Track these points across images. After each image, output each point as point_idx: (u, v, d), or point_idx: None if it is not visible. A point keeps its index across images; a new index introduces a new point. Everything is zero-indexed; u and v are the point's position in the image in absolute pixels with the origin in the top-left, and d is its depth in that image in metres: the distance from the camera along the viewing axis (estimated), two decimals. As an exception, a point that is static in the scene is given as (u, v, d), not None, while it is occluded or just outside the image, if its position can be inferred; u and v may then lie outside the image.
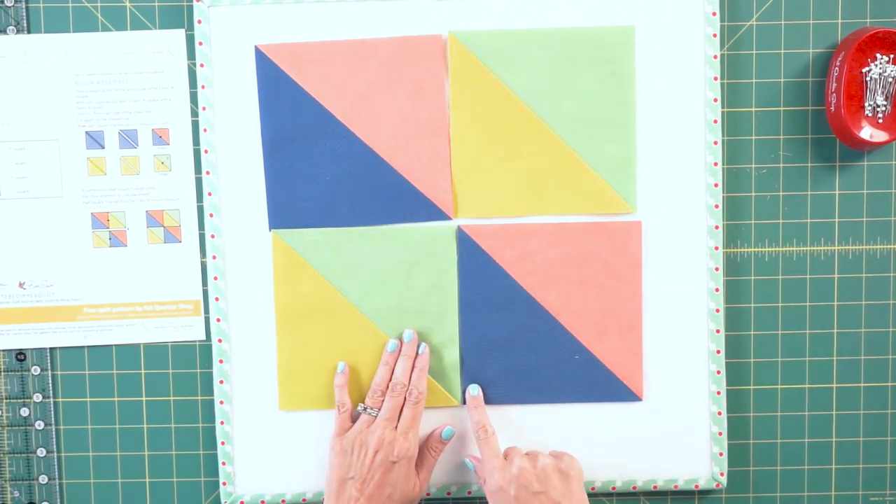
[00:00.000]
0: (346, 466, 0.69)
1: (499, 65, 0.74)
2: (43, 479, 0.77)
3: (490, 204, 0.75)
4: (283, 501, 0.76)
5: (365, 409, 0.71)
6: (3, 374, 0.77)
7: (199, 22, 0.74)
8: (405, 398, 0.71)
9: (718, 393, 0.75)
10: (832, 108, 0.74)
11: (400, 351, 0.73)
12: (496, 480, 0.67)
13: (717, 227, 0.75)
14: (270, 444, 0.76)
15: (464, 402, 0.75)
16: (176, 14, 0.75)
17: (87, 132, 0.75)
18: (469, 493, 0.76)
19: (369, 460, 0.68)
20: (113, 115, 0.75)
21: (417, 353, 0.74)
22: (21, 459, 0.77)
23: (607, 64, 0.73)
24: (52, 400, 0.77)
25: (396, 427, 0.70)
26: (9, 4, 0.74)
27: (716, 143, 0.74)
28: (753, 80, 0.76)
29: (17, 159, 0.75)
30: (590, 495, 0.76)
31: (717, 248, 0.75)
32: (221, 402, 0.75)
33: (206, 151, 0.74)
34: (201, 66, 0.74)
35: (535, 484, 0.66)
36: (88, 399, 0.77)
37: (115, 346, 0.77)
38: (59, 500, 0.77)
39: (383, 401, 0.71)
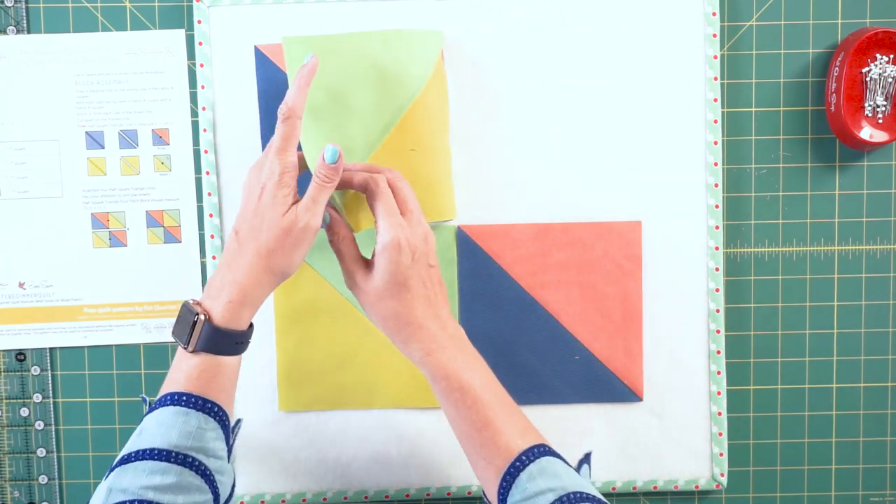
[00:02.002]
0: (239, 210, 0.63)
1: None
2: (43, 479, 0.77)
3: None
4: (284, 501, 0.76)
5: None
6: (3, 374, 0.77)
7: (199, 22, 0.74)
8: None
9: (718, 393, 0.75)
10: (832, 108, 0.74)
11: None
12: (395, 235, 0.60)
13: (717, 227, 0.75)
14: (270, 444, 0.76)
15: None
16: (176, 14, 0.75)
17: (87, 132, 0.75)
18: (469, 493, 0.76)
19: (243, 194, 0.62)
20: (113, 115, 0.75)
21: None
22: (21, 459, 0.77)
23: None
24: (52, 400, 0.77)
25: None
26: (9, 4, 0.74)
27: (716, 143, 0.74)
28: (753, 80, 0.76)
29: (17, 159, 0.75)
30: (590, 495, 0.77)
31: (717, 248, 0.75)
32: (221, 402, 0.75)
33: (206, 151, 0.74)
34: (201, 66, 0.74)
35: (431, 257, 0.62)
36: (88, 399, 0.77)
37: (115, 346, 0.77)
38: (59, 500, 0.77)
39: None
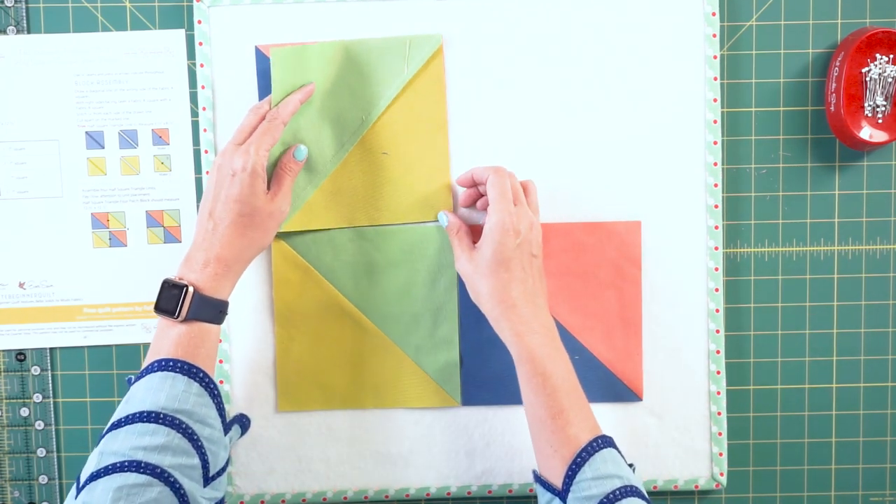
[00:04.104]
0: (204, 193, 0.68)
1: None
2: (43, 479, 0.77)
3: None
4: (283, 501, 0.76)
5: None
6: (3, 374, 0.77)
7: (199, 22, 0.74)
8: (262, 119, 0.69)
9: (718, 393, 0.75)
10: (832, 108, 0.74)
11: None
12: (502, 218, 0.66)
13: (716, 228, 0.75)
14: (270, 444, 0.76)
15: (463, 402, 0.75)
16: (176, 14, 0.75)
17: (87, 132, 0.75)
18: (469, 493, 0.76)
19: (213, 180, 0.67)
20: (113, 115, 0.75)
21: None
22: (21, 459, 0.77)
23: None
24: (52, 400, 0.77)
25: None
26: (9, 4, 0.74)
27: (716, 143, 0.74)
28: (753, 80, 0.76)
29: (17, 159, 0.75)
30: (590, 495, 0.77)
31: (716, 248, 0.75)
32: (221, 402, 0.75)
33: (206, 151, 0.74)
34: (201, 66, 0.74)
35: (535, 247, 0.67)
36: (88, 399, 0.77)
37: (115, 346, 0.77)
38: (59, 500, 0.77)
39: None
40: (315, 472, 0.76)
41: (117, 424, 0.57)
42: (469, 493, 0.76)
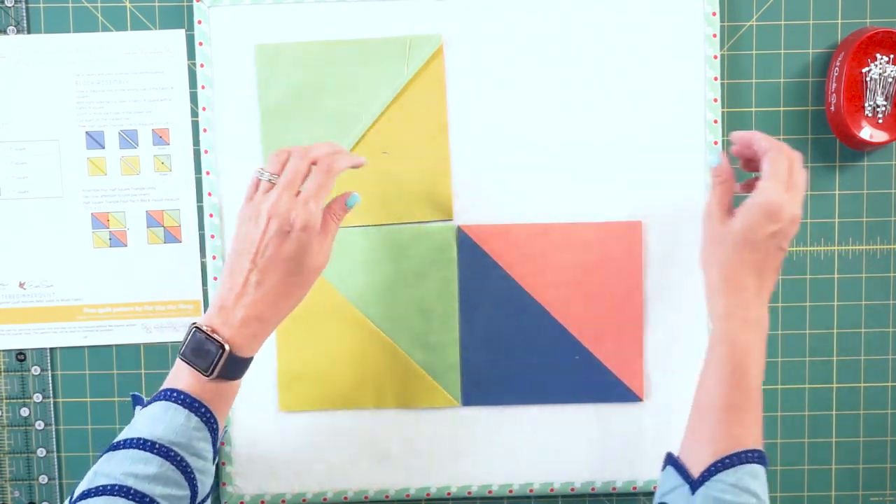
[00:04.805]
0: (242, 236, 0.61)
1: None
2: (43, 479, 0.77)
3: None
4: (284, 501, 0.76)
5: (262, 172, 0.63)
6: (3, 374, 0.77)
7: (199, 22, 0.74)
8: (311, 167, 0.63)
9: (718, 393, 0.75)
10: (832, 108, 0.74)
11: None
12: (771, 198, 0.61)
13: (717, 227, 0.75)
14: (270, 445, 0.76)
15: (463, 402, 0.75)
16: (176, 14, 0.75)
17: (87, 132, 0.75)
18: (469, 493, 0.76)
19: (261, 230, 0.60)
20: (113, 115, 0.75)
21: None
22: (21, 459, 0.77)
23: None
24: (52, 400, 0.77)
25: (298, 195, 0.61)
26: (9, 4, 0.74)
27: (716, 142, 0.74)
28: (753, 80, 0.76)
29: (17, 159, 0.75)
30: (590, 496, 0.77)
31: (717, 248, 0.75)
32: (221, 402, 0.75)
33: (206, 151, 0.74)
34: (201, 66, 0.74)
35: (786, 241, 0.63)
36: (88, 399, 0.77)
37: (115, 346, 0.77)
38: (58, 500, 0.77)
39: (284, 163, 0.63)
40: (315, 472, 0.76)
41: (116, 447, 0.58)
42: (469, 493, 0.76)
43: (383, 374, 0.75)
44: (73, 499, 0.56)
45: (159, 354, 0.77)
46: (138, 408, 0.63)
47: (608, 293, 0.75)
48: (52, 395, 0.77)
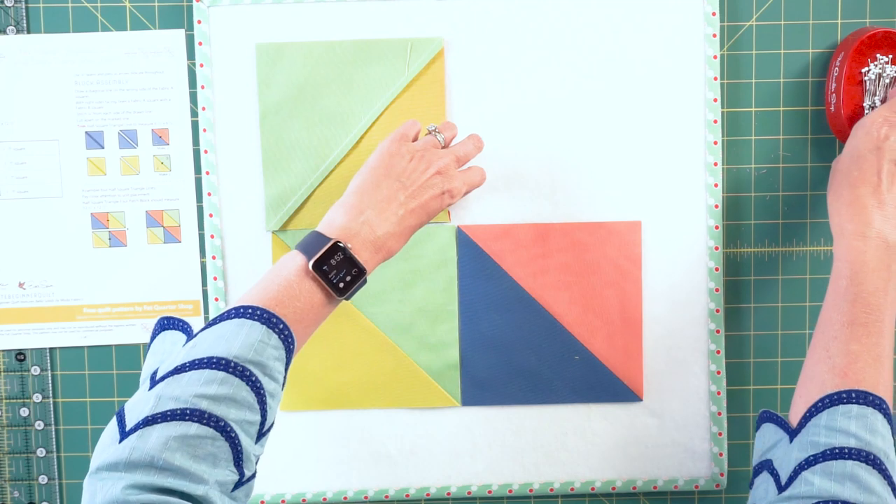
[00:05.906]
0: (400, 168, 0.62)
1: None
2: (43, 479, 0.77)
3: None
4: (284, 502, 0.76)
5: (435, 130, 0.66)
6: (3, 374, 0.77)
7: (199, 22, 0.74)
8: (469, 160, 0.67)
9: (718, 393, 0.75)
10: (832, 108, 0.74)
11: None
12: (875, 119, 0.64)
13: (717, 227, 0.75)
14: (270, 444, 0.76)
15: (463, 402, 0.75)
16: (176, 14, 0.75)
17: (87, 132, 0.75)
18: (469, 493, 0.76)
19: (427, 177, 0.62)
20: (113, 115, 0.75)
21: None
22: (21, 459, 0.77)
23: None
24: (52, 400, 0.77)
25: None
26: (9, 4, 0.74)
27: (716, 143, 0.74)
28: (753, 80, 0.76)
29: (17, 159, 0.75)
30: (590, 496, 0.77)
31: (717, 248, 0.75)
32: (221, 402, 0.75)
33: (205, 151, 0.74)
34: (201, 66, 0.74)
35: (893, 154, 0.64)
36: (88, 399, 0.77)
37: (115, 346, 0.77)
38: (59, 500, 0.77)
39: (453, 138, 0.67)
40: (315, 471, 0.76)
41: (180, 369, 0.51)
42: (469, 493, 0.76)
43: (383, 374, 0.75)
44: (131, 426, 0.49)
45: (159, 354, 0.77)
46: (169, 333, 0.58)
47: (608, 293, 0.75)
48: (51, 395, 0.77)
